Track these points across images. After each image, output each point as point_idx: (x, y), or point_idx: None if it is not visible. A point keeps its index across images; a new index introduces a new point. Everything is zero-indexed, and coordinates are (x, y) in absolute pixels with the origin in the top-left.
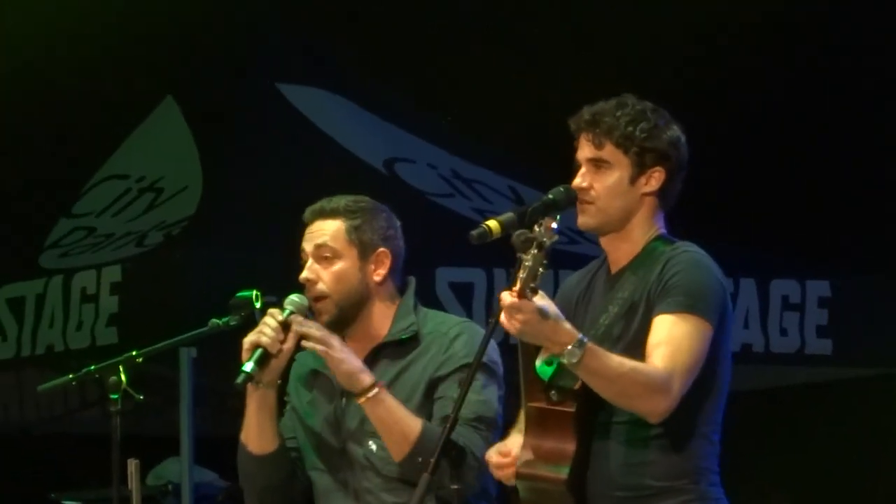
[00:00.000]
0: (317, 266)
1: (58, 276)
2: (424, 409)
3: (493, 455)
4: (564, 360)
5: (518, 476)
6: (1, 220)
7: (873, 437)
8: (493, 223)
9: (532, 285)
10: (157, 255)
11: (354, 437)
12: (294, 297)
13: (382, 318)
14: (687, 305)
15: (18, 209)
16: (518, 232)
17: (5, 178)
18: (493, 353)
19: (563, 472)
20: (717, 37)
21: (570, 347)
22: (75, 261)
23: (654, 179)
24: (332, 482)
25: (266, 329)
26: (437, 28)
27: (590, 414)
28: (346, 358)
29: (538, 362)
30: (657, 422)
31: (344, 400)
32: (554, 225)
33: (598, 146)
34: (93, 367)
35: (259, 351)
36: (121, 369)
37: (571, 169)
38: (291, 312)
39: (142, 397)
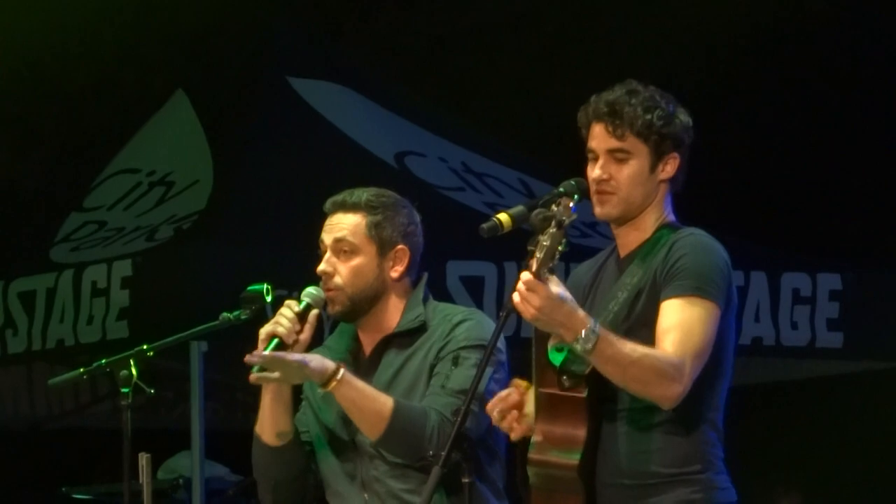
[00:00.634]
0: (334, 259)
1: (69, 270)
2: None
3: (496, 411)
4: (578, 347)
5: (529, 462)
6: (12, 215)
7: (884, 430)
8: (503, 216)
9: (550, 265)
10: (168, 249)
11: None
12: (311, 290)
13: (394, 312)
14: (695, 288)
15: (29, 203)
16: (536, 211)
17: (17, 173)
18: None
19: (574, 458)
20: (730, 32)
21: (583, 334)
22: (86, 255)
23: (671, 166)
24: (341, 473)
25: (282, 320)
26: (448, 23)
27: (600, 400)
28: (304, 359)
29: (549, 348)
30: (670, 408)
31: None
32: (571, 204)
33: (620, 137)
34: (104, 362)
35: (275, 341)
36: (132, 363)
37: (582, 162)
38: (308, 304)
39: (153, 391)
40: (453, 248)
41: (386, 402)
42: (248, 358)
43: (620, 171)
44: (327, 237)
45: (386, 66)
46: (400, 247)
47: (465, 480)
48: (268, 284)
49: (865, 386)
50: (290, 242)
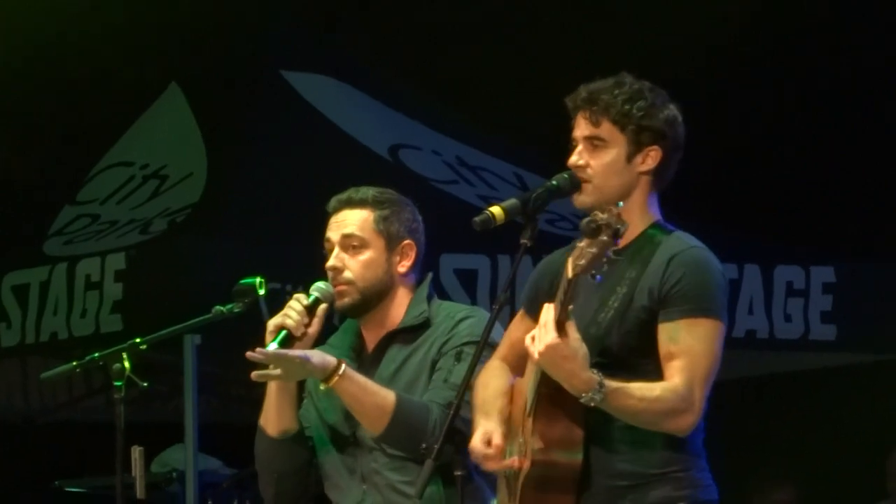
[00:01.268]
0: (343, 255)
1: (62, 263)
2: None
3: (478, 445)
4: (583, 402)
5: (533, 463)
6: (6, 208)
7: (877, 422)
8: (496, 210)
9: (593, 276)
10: (162, 243)
11: None
12: (320, 284)
13: (399, 307)
14: (699, 309)
15: (23, 196)
16: (587, 219)
17: (10, 166)
18: (496, 335)
19: (577, 458)
20: (728, 25)
21: (587, 395)
22: (79, 248)
23: (651, 158)
24: (341, 467)
25: (291, 312)
26: (443, 15)
27: None
28: (305, 355)
29: None
30: (682, 435)
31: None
32: (618, 208)
33: (595, 124)
34: (97, 355)
35: (283, 333)
36: (125, 356)
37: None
38: (317, 299)
39: (146, 384)
40: (447, 241)
41: (388, 396)
42: (249, 354)
43: (595, 159)
44: (334, 234)
45: (380, 59)
46: (407, 242)
47: (458, 473)
48: (261, 277)
49: (859, 378)
50: (283, 236)
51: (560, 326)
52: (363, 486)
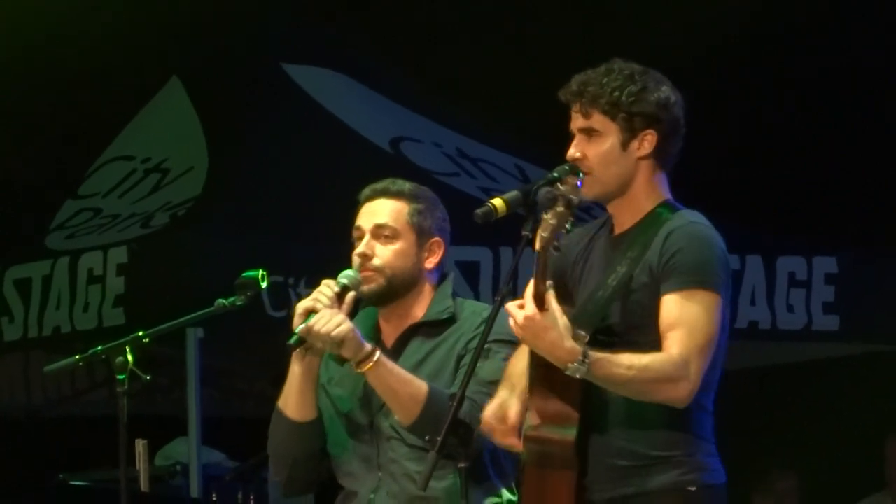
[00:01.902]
0: (374, 242)
1: (64, 257)
2: (452, 385)
3: (490, 418)
4: (568, 374)
5: (525, 439)
6: (7, 202)
7: (880, 412)
8: (498, 201)
9: (556, 248)
10: (164, 236)
11: (384, 410)
12: (349, 272)
13: (423, 302)
14: (696, 281)
15: (25, 191)
16: (545, 189)
17: (11, 160)
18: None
19: (570, 435)
20: (729, 19)
21: (572, 366)
22: (81, 242)
23: (647, 142)
24: (354, 457)
25: (321, 297)
26: (443, 8)
27: None
28: (344, 336)
29: None
30: (684, 406)
31: None
32: (578, 182)
33: (587, 115)
34: (99, 349)
35: (311, 317)
36: (127, 350)
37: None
38: (345, 286)
39: (149, 378)
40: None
41: (421, 386)
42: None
43: (591, 150)
44: (366, 221)
45: (381, 51)
46: (436, 239)
47: (462, 465)
48: (263, 270)
49: (861, 368)
50: (285, 228)
51: (539, 299)
52: (378, 475)
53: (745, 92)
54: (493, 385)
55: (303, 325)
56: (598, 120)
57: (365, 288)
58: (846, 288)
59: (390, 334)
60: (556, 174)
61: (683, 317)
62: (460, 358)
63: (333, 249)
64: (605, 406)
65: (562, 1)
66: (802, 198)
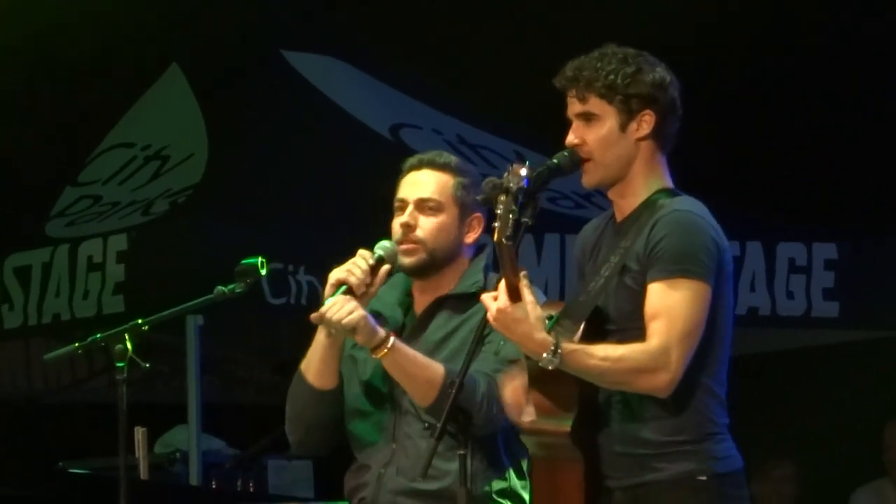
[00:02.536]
0: (417, 213)
1: (64, 244)
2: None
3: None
4: (542, 365)
5: (523, 431)
6: (7, 189)
7: (880, 399)
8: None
9: (511, 236)
10: (164, 223)
11: None
12: (385, 243)
13: (456, 276)
14: (679, 270)
15: (24, 178)
16: (486, 180)
17: (11, 147)
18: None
19: (566, 425)
20: (730, 4)
21: (544, 357)
22: (81, 229)
23: (646, 123)
24: (372, 427)
25: (356, 270)
26: None
27: None
28: (358, 323)
29: None
30: (666, 396)
31: (419, 343)
32: (523, 171)
33: (583, 100)
34: (99, 336)
35: (342, 288)
36: (127, 337)
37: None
38: (381, 257)
39: (148, 365)
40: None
41: (437, 369)
42: (313, 316)
43: (590, 134)
44: (410, 192)
45: (380, 38)
46: (477, 215)
47: (461, 452)
48: (262, 258)
49: (861, 355)
50: (285, 216)
51: (512, 290)
52: (392, 446)
53: (742, 78)
54: (513, 364)
55: (315, 313)
56: (595, 104)
57: (406, 260)
58: (846, 274)
59: (421, 304)
60: (555, 161)
61: (665, 306)
62: (484, 335)
63: (333, 236)
64: (609, 395)
65: None
66: (802, 184)
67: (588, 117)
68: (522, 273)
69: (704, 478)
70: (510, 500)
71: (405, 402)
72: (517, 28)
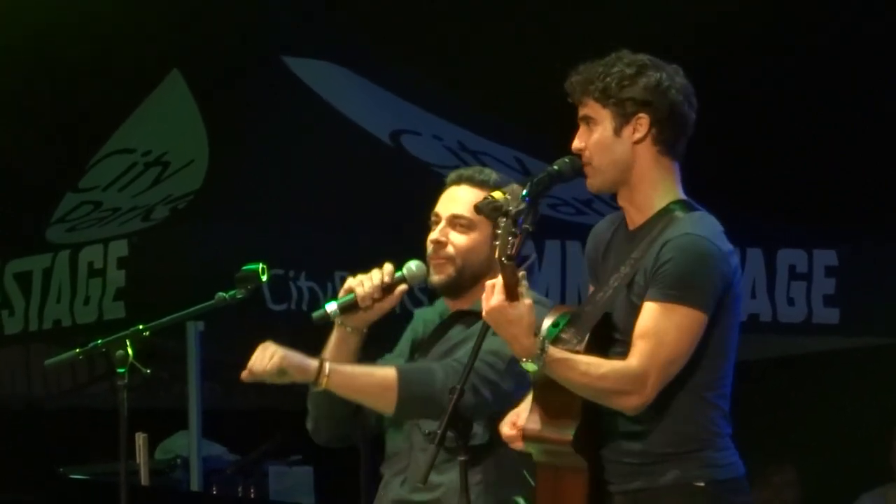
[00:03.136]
0: (448, 230)
1: (65, 250)
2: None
3: (504, 428)
4: (524, 368)
5: (525, 438)
6: (8, 195)
7: (881, 406)
8: (498, 194)
9: (509, 258)
10: (164, 229)
11: None
12: (412, 264)
13: (481, 292)
14: (676, 296)
15: (25, 184)
16: (486, 201)
17: (12, 153)
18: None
19: (568, 434)
20: (730, 4)
21: (527, 359)
22: (82, 235)
23: (641, 126)
24: (399, 438)
25: (366, 281)
26: (446, 1)
27: None
28: (284, 358)
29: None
30: (633, 415)
31: (430, 355)
32: (524, 191)
33: (582, 104)
34: (100, 342)
35: (350, 297)
36: (128, 343)
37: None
38: (403, 277)
39: (149, 371)
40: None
41: (387, 373)
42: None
43: (590, 139)
44: (444, 209)
45: (381, 44)
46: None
47: (462, 459)
48: (263, 264)
49: (862, 362)
50: (286, 222)
51: (511, 290)
52: (409, 459)
53: (741, 82)
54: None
55: (244, 371)
56: (591, 108)
57: (435, 276)
58: (847, 281)
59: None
60: (556, 167)
61: (656, 328)
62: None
63: (334, 242)
64: (610, 409)
65: None
66: (803, 190)
67: (587, 121)
68: (521, 274)
69: (702, 484)
70: None
71: None
72: (519, 34)
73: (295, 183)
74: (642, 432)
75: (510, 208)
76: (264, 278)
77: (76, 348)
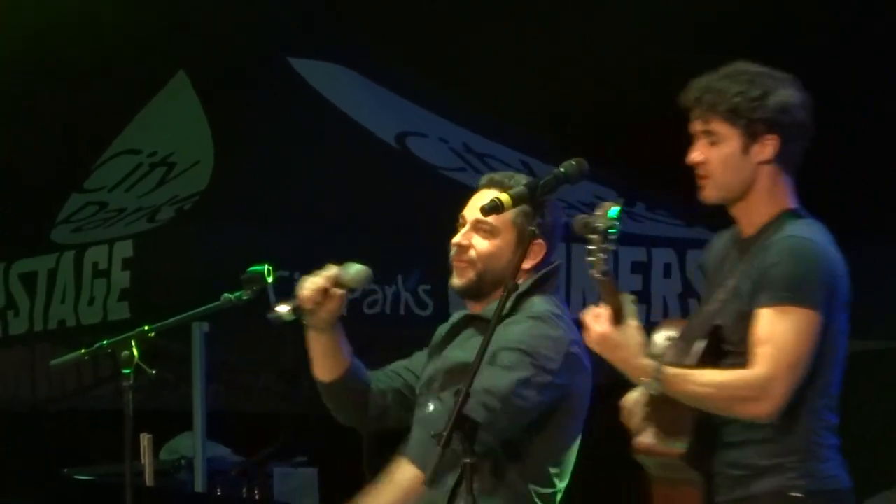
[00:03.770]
0: (472, 233)
1: (70, 251)
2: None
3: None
4: (644, 389)
5: (638, 452)
6: (13, 195)
7: (884, 410)
8: (504, 196)
9: (605, 275)
10: (169, 230)
11: (430, 394)
12: (350, 269)
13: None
14: (786, 298)
15: (30, 184)
16: (578, 218)
17: (17, 153)
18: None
19: (678, 447)
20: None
21: (645, 382)
22: (87, 236)
23: (770, 147)
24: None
25: (309, 284)
26: (449, 2)
27: None
28: None
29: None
30: (768, 422)
31: (440, 358)
32: (612, 212)
33: (707, 121)
34: (105, 343)
35: (295, 299)
36: (133, 344)
37: (581, 143)
38: (341, 280)
39: (154, 372)
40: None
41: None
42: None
43: (712, 154)
44: (470, 212)
45: (387, 46)
46: (538, 241)
47: (467, 461)
48: (269, 265)
49: (864, 365)
50: (291, 223)
51: (617, 314)
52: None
53: None
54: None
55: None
56: (718, 125)
57: (456, 280)
58: (852, 284)
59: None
60: (563, 170)
61: (773, 333)
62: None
63: (339, 243)
64: (720, 419)
65: None
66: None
67: (711, 137)
68: (631, 299)
69: (800, 494)
70: None
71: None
72: (526, 37)
73: (300, 184)
74: (750, 443)
75: (599, 225)
76: (270, 279)
77: (81, 349)
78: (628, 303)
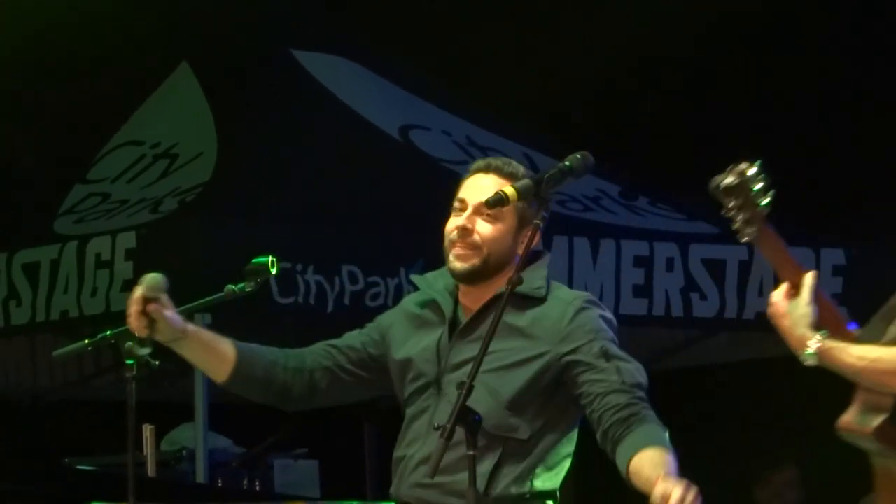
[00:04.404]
0: (475, 217)
1: (72, 241)
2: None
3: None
4: (801, 360)
5: (840, 429)
6: (16, 186)
7: None
8: (510, 190)
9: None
10: (172, 222)
11: (454, 371)
12: (147, 278)
13: (502, 284)
14: None
15: (33, 175)
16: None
17: (20, 145)
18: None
19: (871, 424)
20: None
21: (803, 354)
22: (90, 227)
23: None
24: (415, 409)
25: (129, 318)
26: (449, 2)
27: None
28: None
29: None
30: None
31: (450, 337)
32: (751, 171)
33: None
34: (108, 333)
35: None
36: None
37: (585, 135)
38: (144, 296)
39: (157, 363)
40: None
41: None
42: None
43: None
44: (472, 195)
45: (390, 39)
46: (532, 227)
47: (470, 453)
48: (272, 256)
49: None
50: (293, 215)
51: (794, 285)
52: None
53: (747, 82)
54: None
55: None
56: None
57: (458, 264)
58: (854, 280)
59: (474, 303)
60: (567, 163)
61: None
62: (553, 359)
63: (342, 235)
64: None
65: None
66: (810, 189)
67: None
68: (811, 273)
69: None
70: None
71: (450, 392)
72: (529, 31)
73: (303, 176)
74: None
75: (750, 184)
76: (274, 271)
77: (84, 339)
78: (806, 277)
